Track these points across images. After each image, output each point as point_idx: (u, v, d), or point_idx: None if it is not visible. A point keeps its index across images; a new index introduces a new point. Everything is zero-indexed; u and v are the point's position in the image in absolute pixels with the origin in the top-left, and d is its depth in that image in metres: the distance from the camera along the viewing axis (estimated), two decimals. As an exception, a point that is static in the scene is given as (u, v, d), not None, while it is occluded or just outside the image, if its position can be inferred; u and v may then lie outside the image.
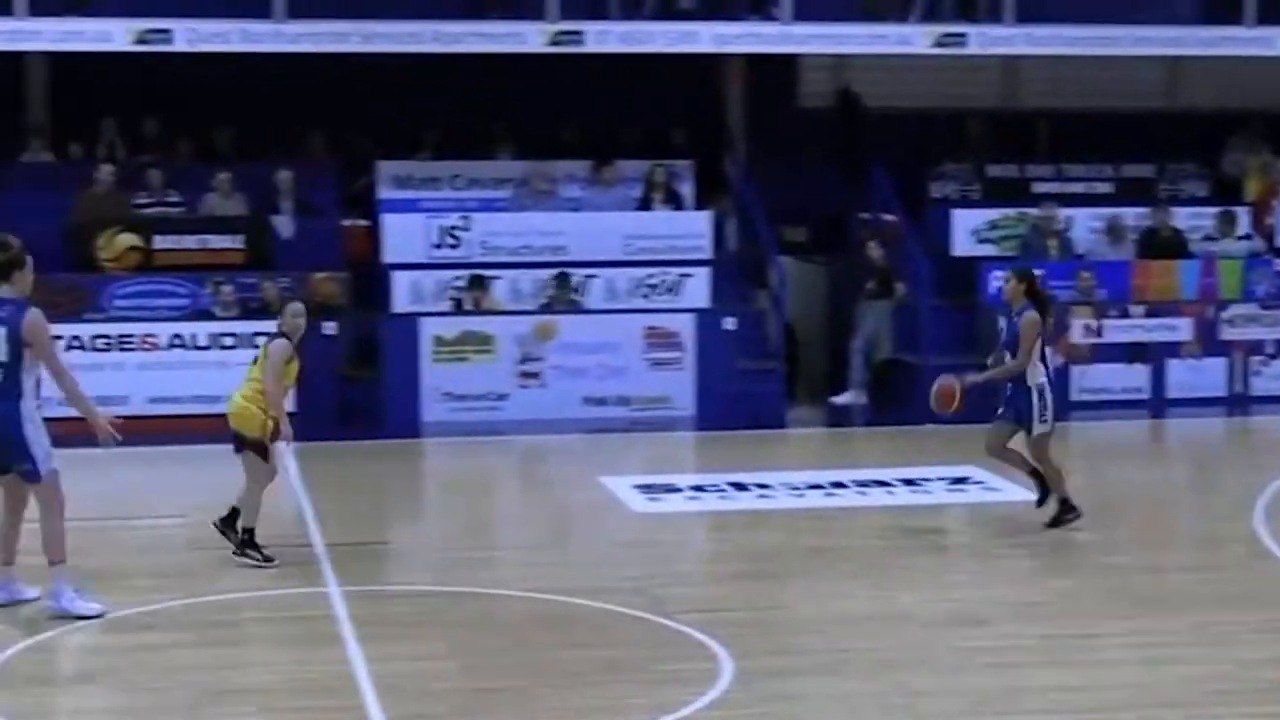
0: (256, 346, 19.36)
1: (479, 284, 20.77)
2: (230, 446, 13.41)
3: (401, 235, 21.60)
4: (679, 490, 16.16)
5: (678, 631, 11.30)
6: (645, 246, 21.66)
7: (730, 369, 20.62)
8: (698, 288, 21.19)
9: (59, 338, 18.56)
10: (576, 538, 14.77)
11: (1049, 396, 14.18)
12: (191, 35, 20.70)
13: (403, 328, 20.28)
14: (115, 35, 20.54)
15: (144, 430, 18.57)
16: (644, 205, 22.44)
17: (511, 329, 20.28)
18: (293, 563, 13.23)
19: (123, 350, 19.61)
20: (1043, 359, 14.21)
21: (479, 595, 12.35)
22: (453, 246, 21.63)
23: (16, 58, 22.19)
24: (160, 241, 21.00)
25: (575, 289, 20.91)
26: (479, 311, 20.60)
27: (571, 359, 20.27)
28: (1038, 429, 14.13)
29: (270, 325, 19.47)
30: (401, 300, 20.95)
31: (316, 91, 22.13)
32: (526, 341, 20.23)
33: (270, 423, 13.14)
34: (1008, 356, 14.15)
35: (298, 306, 13.72)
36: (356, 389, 20.13)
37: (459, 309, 20.78)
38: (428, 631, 11.41)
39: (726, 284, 21.74)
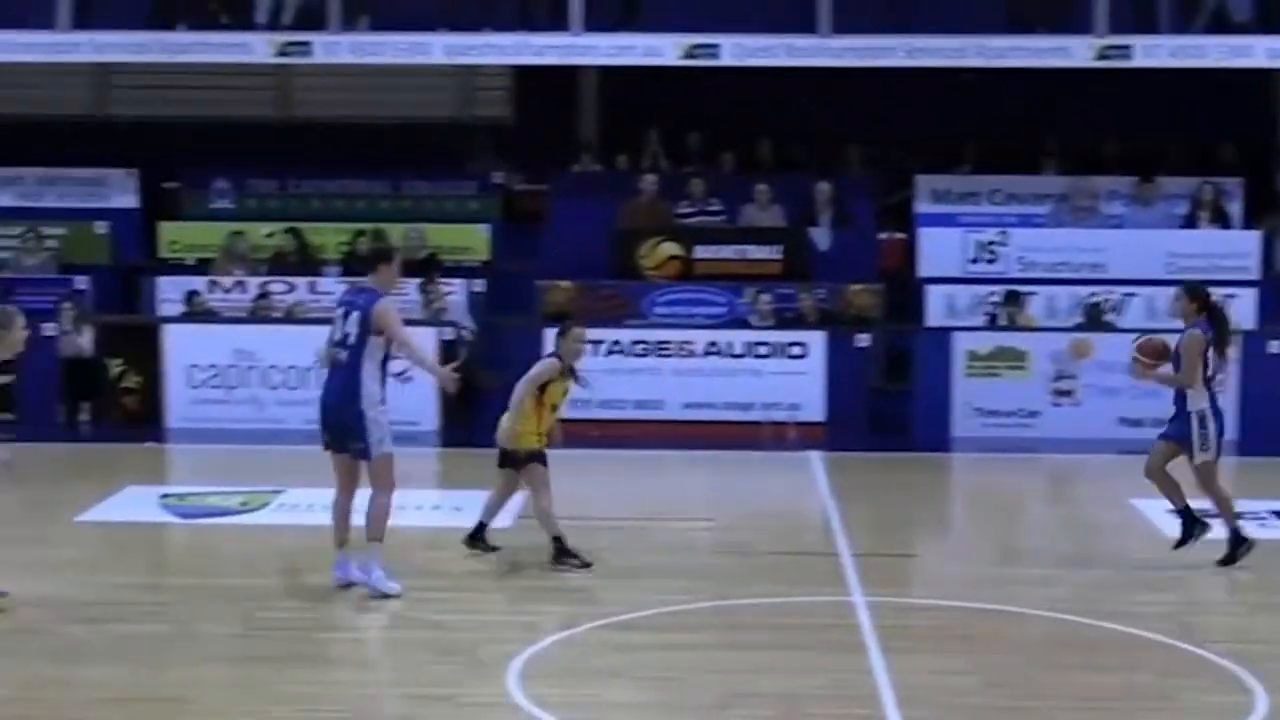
0: (791, 357, 19.77)
1: (1014, 300, 20.54)
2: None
3: (938, 249, 21.56)
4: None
5: (1207, 661, 10.92)
6: (1189, 266, 21.02)
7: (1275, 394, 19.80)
8: (1244, 309, 20.45)
9: (599, 342, 19.34)
10: (1103, 560, 14.41)
11: (1211, 425, 13.31)
12: (738, 50, 21.07)
13: (936, 341, 20.19)
14: (665, 50, 21.05)
15: (678, 435, 19.10)
16: (1189, 223, 21.80)
17: (1046, 345, 19.96)
18: (818, 571, 13.31)
19: (660, 356, 20.08)
20: (1207, 383, 13.37)
21: (1002, 613, 12.19)
22: (989, 261, 21.47)
23: (571, 71, 22.99)
24: (700, 251, 21.48)
25: (1106, 310, 20.51)
26: (1014, 327, 20.36)
27: (1107, 378, 19.80)
28: (1199, 457, 13.33)
29: (806, 335, 19.90)
30: (935, 314, 20.90)
31: (855, 104, 22.28)
32: (1061, 359, 19.86)
33: (534, 436, 13.35)
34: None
35: (582, 332, 13.81)
36: (887, 401, 20.14)
37: (993, 324, 20.60)
38: (950, 645, 11.31)
39: (1274, 305, 20.92)
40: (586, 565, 13.26)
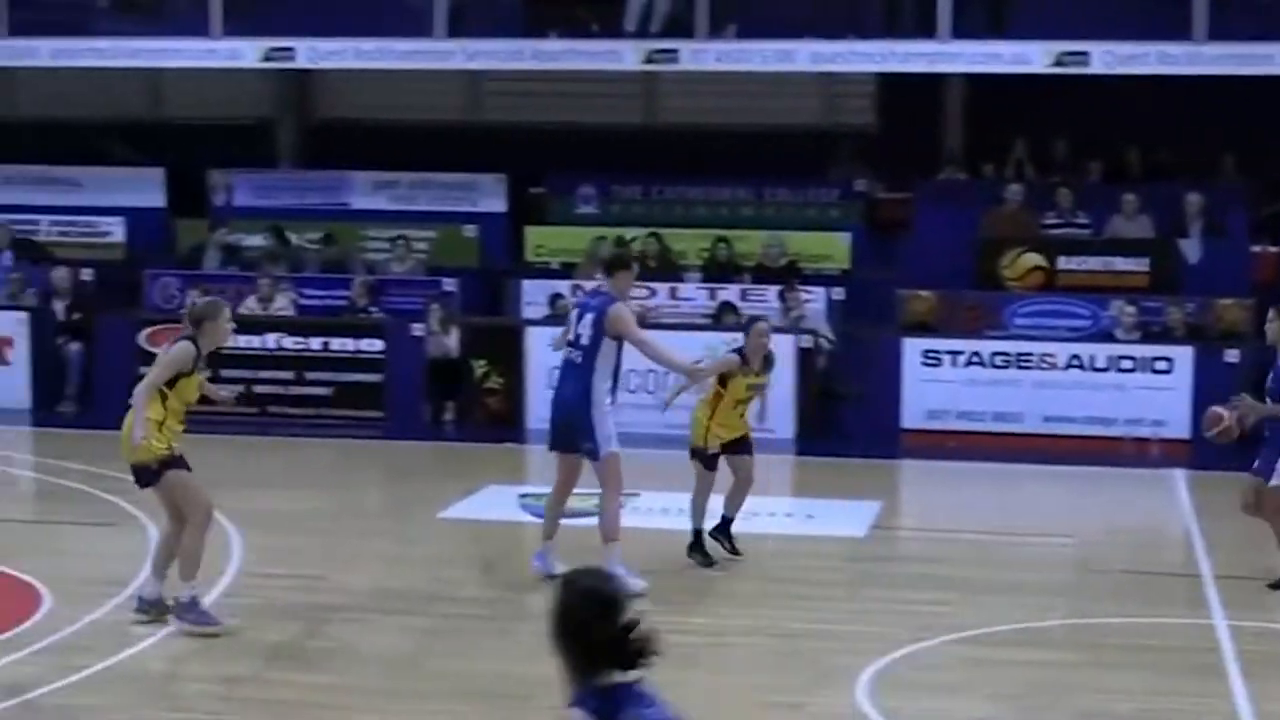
0: (1156, 371, 19.27)
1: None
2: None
3: (1317, 262, 20.84)
4: None
5: None
6: None
7: None
8: None
9: (958, 353, 19.13)
10: None
11: None
12: (1109, 57, 20.60)
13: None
14: (1033, 57, 20.69)
15: (1036, 448, 18.76)
16: None
17: None
18: (1179, 591, 12.96)
19: (1020, 368, 19.74)
20: None
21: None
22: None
23: (936, 79, 22.80)
24: (1064, 262, 21.08)
25: None
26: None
27: None
28: (1275, 480, 12.65)
29: (1172, 350, 19.36)
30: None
31: (1230, 111, 21.61)
32: None
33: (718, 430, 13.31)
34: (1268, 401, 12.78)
35: (766, 327, 13.71)
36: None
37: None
38: (1317, 674, 10.92)
39: None
40: (710, 564, 13.34)
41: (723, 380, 13.36)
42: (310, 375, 20.27)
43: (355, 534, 14.65)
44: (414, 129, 24.67)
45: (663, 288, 21.48)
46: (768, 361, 13.66)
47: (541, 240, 23.07)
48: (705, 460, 13.44)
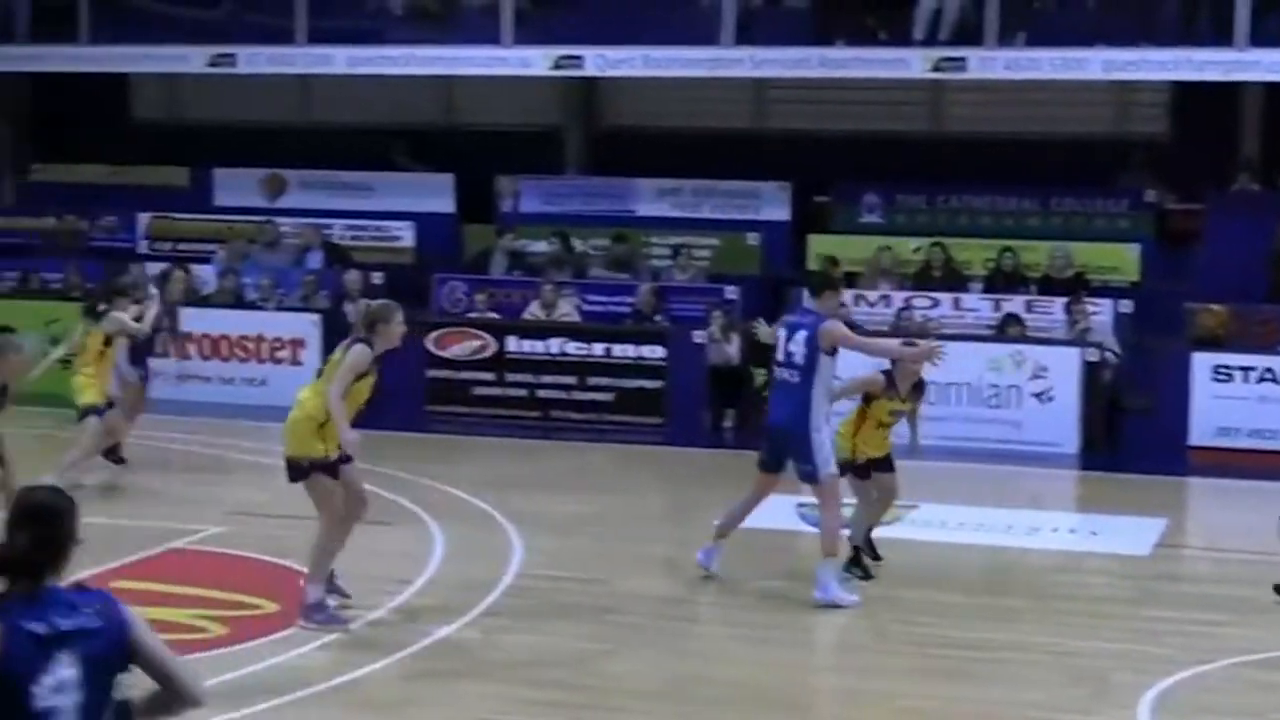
0: None
1: None
2: None
3: None
4: None
5: None
6: None
7: None
8: None
9: (1251, 369, 18.63)
10: None
11: None
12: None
13: None
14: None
15: None
16: None
17: None
18: None
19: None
20: None
21: None
22: None
23: (1233, 88, 22.23)
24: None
25: None
26: None
27: None
28: None
29: None
30: None
31: None
32: None
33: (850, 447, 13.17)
34: None
35: (924, 352, 13.20)
36: None
37: None
38: None
39: None
40: (869, 577, 13.17)
41: (867, 399, 13.25)
42: (592, 380, 20.45)
43: (635, 538, 14.76)
44: (699, 136, 24.76)
45: (946, 298, 21.25)
46: (918, 389, 13.48)
47: (825, 249, 22.95)
48: (856, 471, 13.32)
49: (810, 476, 12.58)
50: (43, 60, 23.76)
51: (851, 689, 10.81)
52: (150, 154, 25.16)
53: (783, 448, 12.68)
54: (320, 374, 11.91)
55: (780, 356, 12.58)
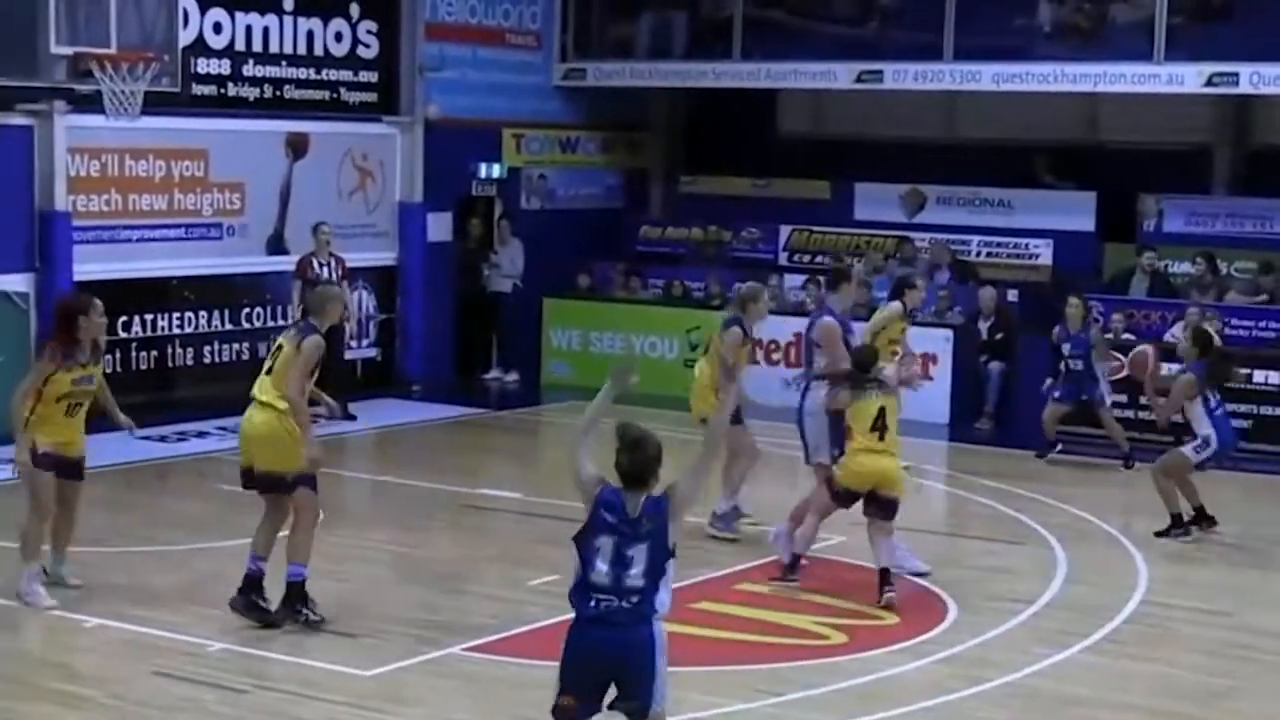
0: None
1: None
2: None
3: None
4: None
5: None
6: None
7: None
8: None
9: None
10: None
11: None
12: None
13: None
14: None
15: None
16: None
17: None
18: None
19: None
20: None
21: None
22: None
23: None
24: None
25: None
26: None
27: None
28: None
29: None
30: None
31: None
32: None
33: None
34: None
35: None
36: None
37: None
38: None
39: None
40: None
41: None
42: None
43: (1266, 568, 14.31)
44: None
45: None
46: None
47: None
48: None
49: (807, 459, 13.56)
50: (698, 76, 24.64)
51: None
52: (794, 167, 25.74)
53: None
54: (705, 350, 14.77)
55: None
